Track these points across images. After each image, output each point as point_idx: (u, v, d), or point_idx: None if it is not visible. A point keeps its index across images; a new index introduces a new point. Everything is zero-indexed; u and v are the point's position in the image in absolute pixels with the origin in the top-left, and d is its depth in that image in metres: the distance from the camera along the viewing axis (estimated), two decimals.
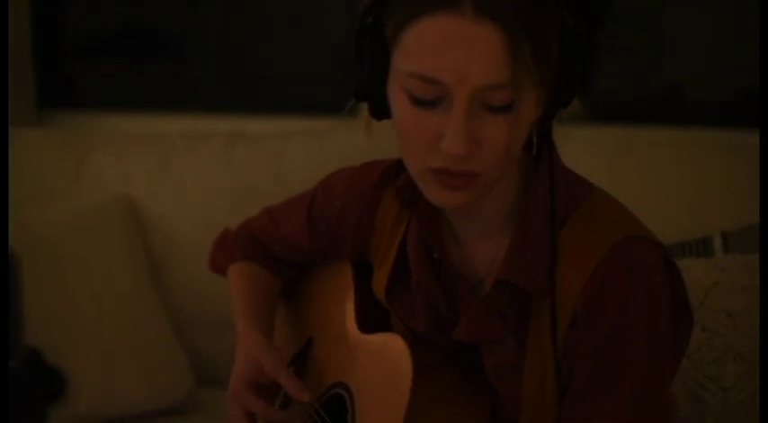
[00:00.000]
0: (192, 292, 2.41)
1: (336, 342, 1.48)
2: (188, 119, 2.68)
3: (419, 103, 1.19)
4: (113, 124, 2.68)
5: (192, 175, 2.46)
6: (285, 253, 1.59)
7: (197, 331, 2.41)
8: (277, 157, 2.47)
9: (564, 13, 1.19)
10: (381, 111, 1.26)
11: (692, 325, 1.30)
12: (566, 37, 1.19)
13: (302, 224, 1.52)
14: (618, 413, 1.22)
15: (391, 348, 1.32)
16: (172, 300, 2.41)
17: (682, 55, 2.76)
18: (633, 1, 2.71)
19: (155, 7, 2.83)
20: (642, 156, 2.31)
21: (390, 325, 1.43)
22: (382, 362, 1.34)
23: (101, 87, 2.87)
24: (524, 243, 1.26)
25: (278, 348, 1.49)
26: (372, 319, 1.45)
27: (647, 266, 1.24)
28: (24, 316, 0.83)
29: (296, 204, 1.56)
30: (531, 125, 1.23)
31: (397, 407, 1.27)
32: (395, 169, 1.41)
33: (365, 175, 1.46)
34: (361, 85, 1.26)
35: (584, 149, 2.22)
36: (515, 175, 1.29)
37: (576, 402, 1.24)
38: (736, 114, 2.77)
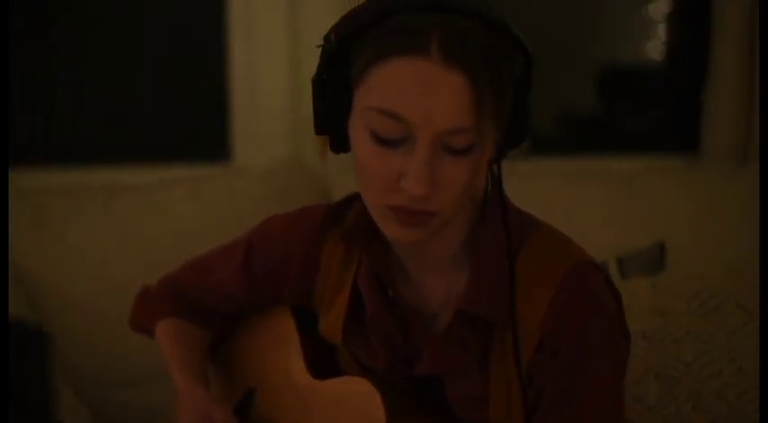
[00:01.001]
0: (88, 348, 2.32)
1: (284, 390, 1.47)
2: (61, 173, 2.61)
3: (382, 142, 1.21)
4: None
5: (72, 232, 2.38)
6: (213, 304, 1.57)
7: (97, 389, 2.33)
8: (158, 208, 2.42)
9: (520, 58, 1.23)
10: (341, 145, 1.28)
11: (629, 344, 1.37)
12: (519, 81, 1.24)
13: (237, 272, 1.51)
14: (603, 413, 1.28)
15: (357, 391, 1.33)
16: (68, 359, 2.31)
17: None
18: None
19: (19, 59, 2.74)
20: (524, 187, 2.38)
21: (339, 368, 1.44)
22: (348, 406, 1.34)
23: None
24: (483, 275, 1.30)
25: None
26: (320, 364, 1.45)
27: (598, 290, 1.31)
28: (56, 392, 0.81)
29: (226, 253, 1.54)
30: (486, 166, 1.26)
31: None
32: (336, 212, 1.43)
33: (304, 219, 1.47)
34: (320, 119, 1.27)
35: None
36: (466, 213, 1.32)
37: (545, 419, 1.28)
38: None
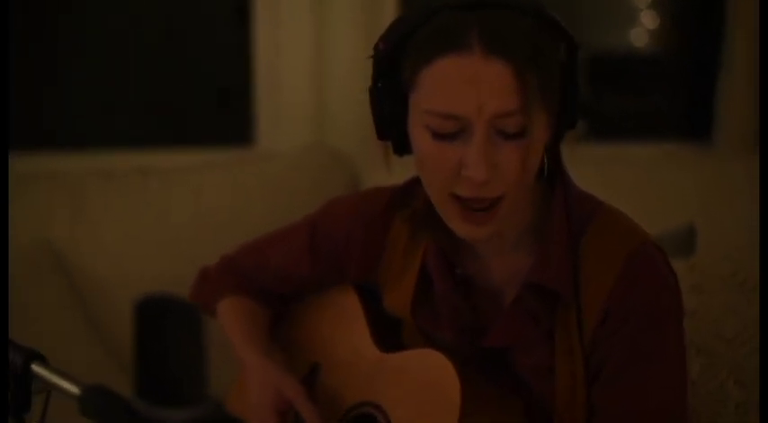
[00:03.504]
0: (124, 331, 2.36)
1: (350, 364, 1.52)
2: (98, 156, 2.64)
3: (440, 136, 1.28)
4: (20, 165, 2.60)
5: (108, 214, 2.42)
6: (274, 284, 1.62)
7: None
8: (193, 191, 2.46)
9: (562, 43, 1.30)
10: (403, 147, 1.35)
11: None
12: (564, 65, 1.30)
13: (303, 251, 1.56)
14: (668, 380, 1.35)
15: (430, 362, 1.38)
16: (110, 344, 2.35)
17: None
18: None
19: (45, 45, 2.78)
20: None
21: (403, 342, 1.50)
22: (420, 376, 1.40)
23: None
24: (551, 251, 1.36)
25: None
26: (385, 338, 1.51)
27: (661, 267, 1.38)
28: (208, 370, 0.86)
29: (290, 234, 1.59)
30: (543, 148, 1.33)
31: (448, 419, 1.32)
32: (402, 194, 1.48)
33: (372, 200, 1.53)
34: (381, 126, 1.34)
35: None
36: (530, 197, 1.38)
37: (616, 384, 1.35)
38: None
